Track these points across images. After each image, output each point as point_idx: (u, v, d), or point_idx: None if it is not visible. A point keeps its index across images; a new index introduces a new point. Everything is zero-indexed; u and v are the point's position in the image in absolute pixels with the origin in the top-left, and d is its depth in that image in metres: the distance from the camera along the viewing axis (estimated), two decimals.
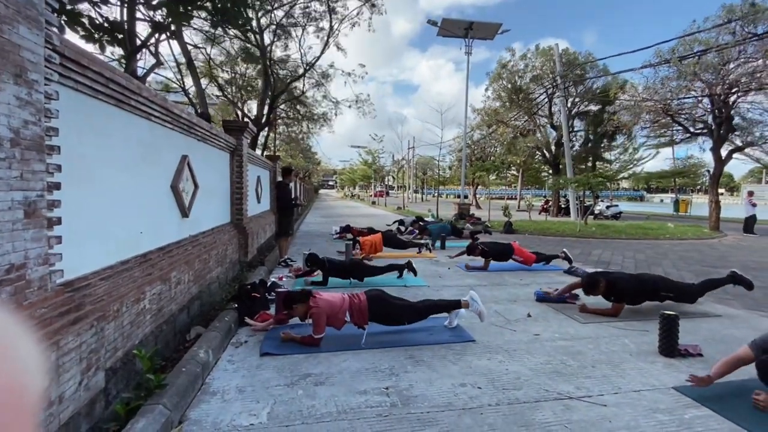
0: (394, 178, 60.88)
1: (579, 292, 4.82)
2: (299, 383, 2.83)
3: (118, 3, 5.31)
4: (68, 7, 4.61)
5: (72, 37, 4.14)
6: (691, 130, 14.63)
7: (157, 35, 6.37)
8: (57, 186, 2.19)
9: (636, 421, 2.42)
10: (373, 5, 14.04)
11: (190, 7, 5.52)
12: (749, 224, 13.82)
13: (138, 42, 5.83)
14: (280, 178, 7.58)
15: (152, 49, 7.04)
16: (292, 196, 7.30)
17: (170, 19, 4.84)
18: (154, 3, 4.78)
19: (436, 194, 29.80)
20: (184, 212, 4.62)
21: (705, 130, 14.14)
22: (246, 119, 15.54)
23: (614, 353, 3.44)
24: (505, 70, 21.90)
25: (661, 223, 15.47)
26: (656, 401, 2.65)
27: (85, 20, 5.01)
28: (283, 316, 3.75)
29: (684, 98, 13.75)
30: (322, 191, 71.27)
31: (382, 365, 3.13)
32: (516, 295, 5.31)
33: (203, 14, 6.93)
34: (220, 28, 9.00)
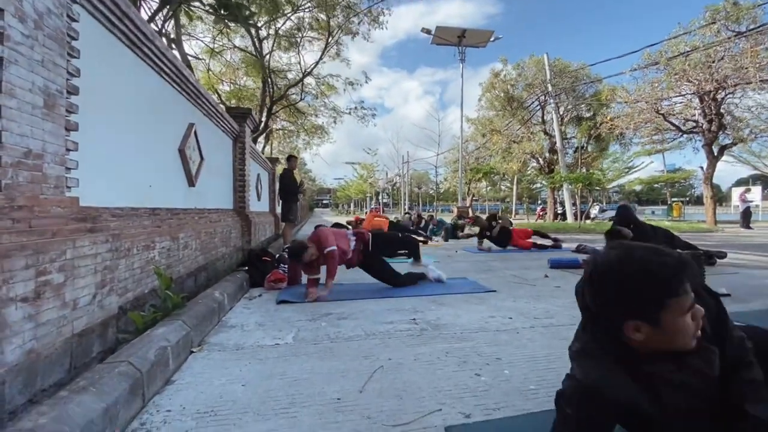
0: (388, 195, 61.13)
1: None
2: (321, 319, 2.70)
3: None
4: None
5: None
6: (683, 128, 14.96)
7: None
8: (76, 90, 2.12)
9: None
10: (375, 20, 14.35)
11: None
12: (745, 219, 13.94)
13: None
14: (285, 166, 7.52)
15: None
16: (299, 182, 7.23)
17: None
18: None
19: (434, 207, 29.91)
20: (191, 180, 4.52)
21: (696, 128, 14.45)
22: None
23: None
24: (498, 80, 22.41)
25: (657, 221, 15.57)
26: None
27: None
28: (295, 271, 3.58)
29: (674, 97, 14.10)
30: (316, 209, 71.05)
31: (404, 306, 3.01)
32: (528, 265, 5.23)
33: (207, 6, 7.01)
34: (222, 28, 9.07)
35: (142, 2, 5.35)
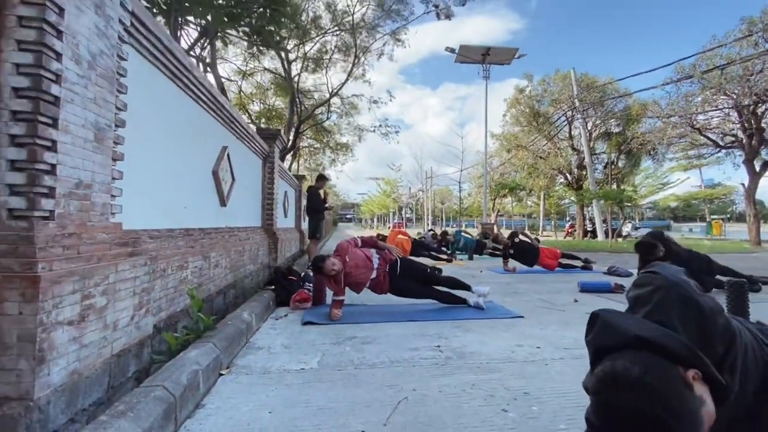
0: (412, 209, 61.14)
1: (625, 282, 4.64)
2: (346, 342, 2.71)
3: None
4: None
5: None
6: (721, 143, 14.30)
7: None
8: (123, 123, 2.27)
9: None
10: (398, 40, 14.74)
11: (232, 21, 5.93)
12: None
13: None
14: (312, 184, 7.70)
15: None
16: (323, 199, 7.38)
17: (215, 25, 5.18)
18: (201, 10, 5.16)
19: (458, 223, 29.63)
20: (223, 201, 4.70)
21: (735, 143, 13.79)
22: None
23: None
24: (523, 96, 22.26)
25: (696, 240, 14.81)
26: None
27: None
28: (320, 287, 3.64)
29: (710, 111, 13.56)
30: (340, 224, 71.82)
31: (428, 331, 2.98)
32: (558, 288, 5.08)
33: (241, 33, 7.39)
34: (254, 52, 9.52)
35: (182, 32, 5.71)
